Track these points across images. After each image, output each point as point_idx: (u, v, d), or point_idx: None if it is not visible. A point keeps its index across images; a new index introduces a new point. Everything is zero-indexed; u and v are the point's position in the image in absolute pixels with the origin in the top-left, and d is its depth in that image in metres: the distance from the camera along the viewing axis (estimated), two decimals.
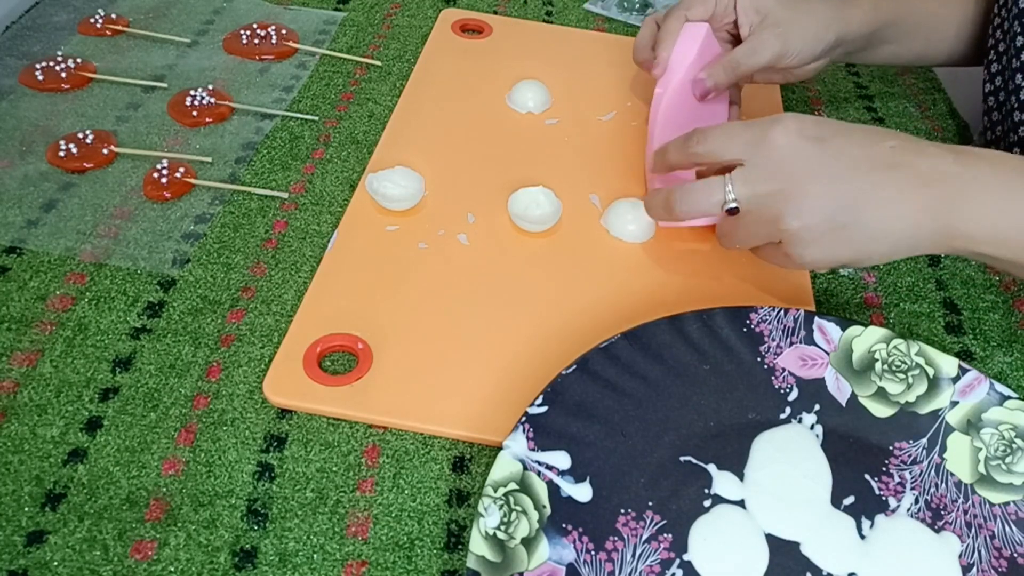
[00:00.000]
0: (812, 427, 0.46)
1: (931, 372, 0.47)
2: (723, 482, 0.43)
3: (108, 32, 0.70)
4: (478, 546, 0.38)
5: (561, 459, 0.42)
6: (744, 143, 0.47)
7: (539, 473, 0.41)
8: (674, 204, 0.50)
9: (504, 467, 0.41)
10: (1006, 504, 0.44)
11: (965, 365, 0.47)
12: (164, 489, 0.42)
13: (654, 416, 0.45)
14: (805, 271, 0.56)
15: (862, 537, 0.42)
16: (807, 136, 0.46)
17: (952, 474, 0.45)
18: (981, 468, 0.45)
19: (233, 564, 0.40)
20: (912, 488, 0.44)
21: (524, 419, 0.43)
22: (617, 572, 0.39)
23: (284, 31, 0.72)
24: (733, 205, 0.47)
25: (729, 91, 0.63)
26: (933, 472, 0.45)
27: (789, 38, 0.59)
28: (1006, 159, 0.46)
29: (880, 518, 0.43)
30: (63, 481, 0.42)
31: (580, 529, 0.40)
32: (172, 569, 0.39)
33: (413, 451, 0.45)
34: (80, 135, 0.60)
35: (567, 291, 0.53)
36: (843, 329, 0.49)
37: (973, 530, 0.43)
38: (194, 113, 0.64)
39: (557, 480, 0.41)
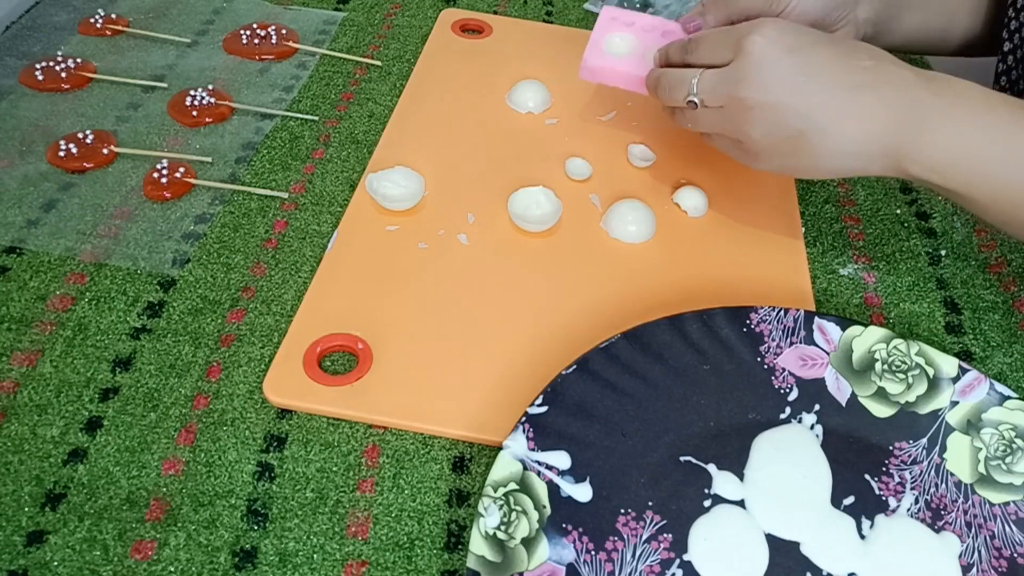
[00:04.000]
0: (812, 427, 0.46)
1: (931, 372, 0.47)
2: (723, 482, 0.43)
3: (108, 32, 0.70)
4: (478, 546, 0.38)
5: (561, 459, 0.42)
6: (726, 48, 0.50)
7: (539, 473, 0.41)
8: (659, 86, 0.54)
9: (504, 467, 0.41)
10: (1006, 504, 0.44)
11: (965, 365, 0.47)
12: (164, 489, 0.42)
13: (654, 416, 0.45)
14: (805, 273, 0.56)
15: (862, 537, 0.42)
16: (783, 46, 0.48)
17: (952, 474, 0.45)
18: (981, 468, 0.45)
19: (233, 564, 0.40)
20: (912, 488, 0.44)
21: (524, 419, 0.43)
22: (617, 572, 0.39)
23: (284, 31, 0.72)
24: (693, 99, 0.51)
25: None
26: (933, 472, 0.45)
27: None
28: (974, 91, 0.47)
29: (880, 518, 0.43)
30: (63, 481, 0.42)
31: (580, 529, 0.40)
32: (172, 569, 0.39)
33: (413, 451, 0.45)
34: (80, 135, 0.60)
35: (567, 291, 0.53)
36: (843, 329, 0.49)
37: (973, 530, 0.43)
38: (194, 113, 0.63)
39: (557, 480, 0.41)
